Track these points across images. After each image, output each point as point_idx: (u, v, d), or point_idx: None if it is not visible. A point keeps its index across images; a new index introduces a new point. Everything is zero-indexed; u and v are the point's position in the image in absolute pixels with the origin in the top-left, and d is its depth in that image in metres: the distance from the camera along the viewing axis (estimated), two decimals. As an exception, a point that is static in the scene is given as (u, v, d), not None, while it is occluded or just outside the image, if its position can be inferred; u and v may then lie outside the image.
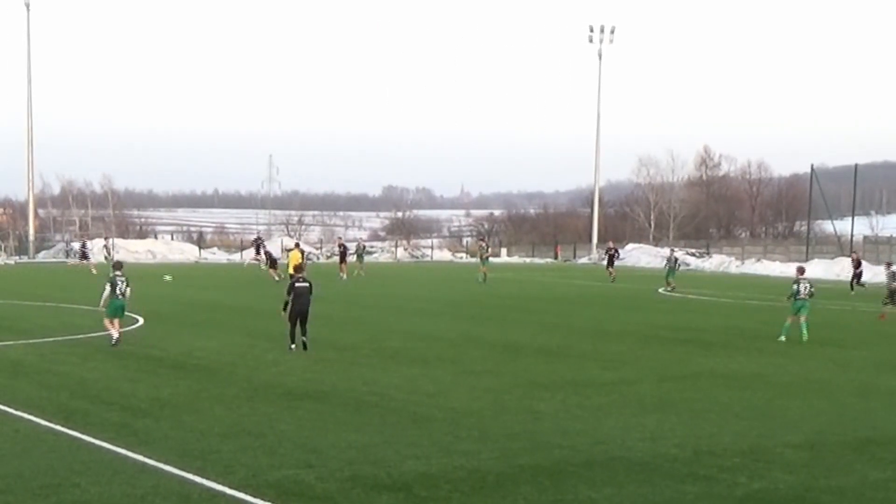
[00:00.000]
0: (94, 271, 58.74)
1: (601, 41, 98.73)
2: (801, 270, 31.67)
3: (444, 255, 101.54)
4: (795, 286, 30.17)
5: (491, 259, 65.44)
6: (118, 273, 25.82)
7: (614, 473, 13.21)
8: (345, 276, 57.57)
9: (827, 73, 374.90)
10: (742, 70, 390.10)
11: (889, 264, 35.89)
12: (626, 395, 19.44)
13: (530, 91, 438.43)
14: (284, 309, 24.88)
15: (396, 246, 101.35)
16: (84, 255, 65.21)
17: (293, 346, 24.70)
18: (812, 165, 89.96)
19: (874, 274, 68.51)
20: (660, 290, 49.13)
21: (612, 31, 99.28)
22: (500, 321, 34.05)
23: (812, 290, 30.40)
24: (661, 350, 26.85)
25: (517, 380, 21.14)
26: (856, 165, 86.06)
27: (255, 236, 59.72)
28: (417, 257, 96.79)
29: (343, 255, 61.28)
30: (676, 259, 53.32)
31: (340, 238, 76.67)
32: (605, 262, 63.40)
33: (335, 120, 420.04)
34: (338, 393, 19.11)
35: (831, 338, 30.24)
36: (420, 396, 18.85)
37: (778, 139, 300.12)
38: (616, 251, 64.41)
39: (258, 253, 59.98)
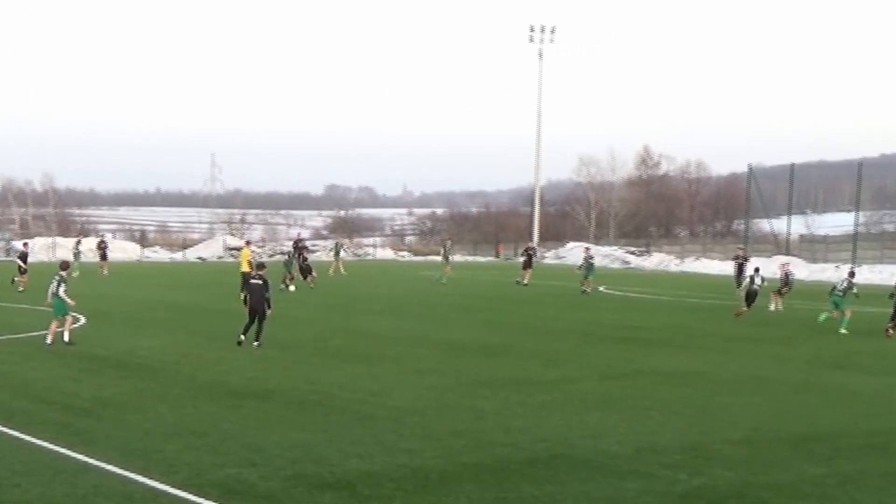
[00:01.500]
0: (105, 272, 58.14)
1: (542, 41, 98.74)
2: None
3: (386, 253, 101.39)
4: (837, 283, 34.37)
5: (438, 258, 64.68)
6: (62, 273, 25.50)
7: (556, 471, 13.35)
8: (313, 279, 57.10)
9: (763, 73, 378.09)
10: (681, 71, 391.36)
11: (757, 269, 37.59)
12: (568, 393, 19.62)
13: (472, 90, 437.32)
14: (245, 303, 25.69)
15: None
16: (104, 256, 61.12)
17: (243, 336, 25.13)
18: (749, 165, 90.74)
19: (810, 272, 69.82)
20: (589, 290, 48.91)
21: (553, 31, 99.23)
22: (443, 320, 34.15)
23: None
24: (603, 348, 27.10)
25: (460, 378, 21.24)
26: (792, 165, 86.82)
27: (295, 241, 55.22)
28: (360, 256, 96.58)
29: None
30: (592, 257, 52.69)
31: (299, 234, 75.33)
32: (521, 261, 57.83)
33: (277, 118, 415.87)
34: (281, 392, 19.10)
35: (770, 335, 30.70)
36: (363, 395, 18.89)
37: (716, 139, 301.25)
38: (535, 251, 62.20)
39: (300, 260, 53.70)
